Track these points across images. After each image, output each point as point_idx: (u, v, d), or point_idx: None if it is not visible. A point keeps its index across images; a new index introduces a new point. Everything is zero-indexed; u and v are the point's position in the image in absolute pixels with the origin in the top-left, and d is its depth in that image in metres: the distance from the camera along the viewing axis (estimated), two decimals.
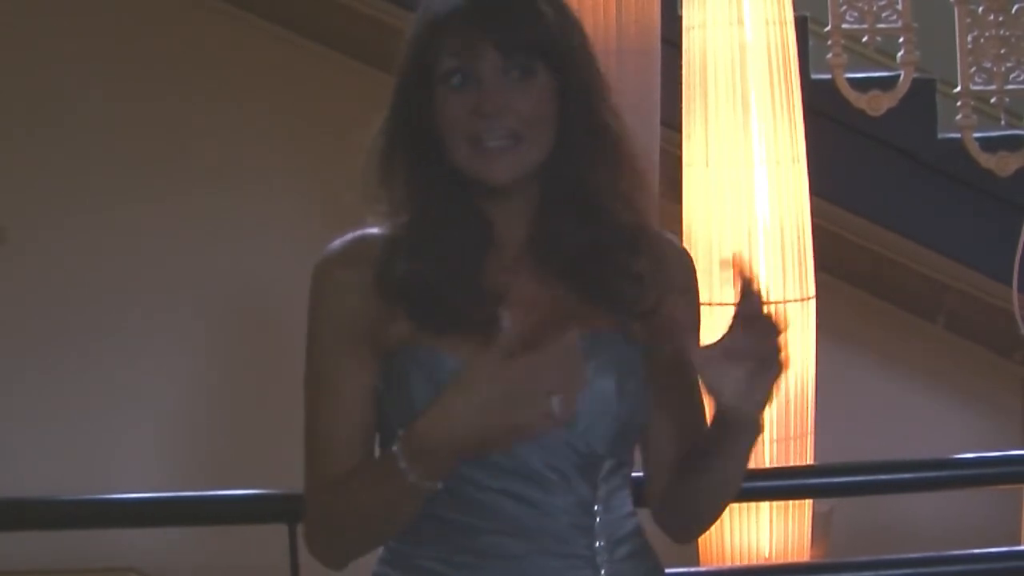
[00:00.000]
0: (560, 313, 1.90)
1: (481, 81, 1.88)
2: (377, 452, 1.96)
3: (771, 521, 3.85)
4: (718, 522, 2.13)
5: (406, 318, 1.90)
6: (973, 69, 4.97)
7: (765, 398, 1.85)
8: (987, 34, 4.97)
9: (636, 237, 1.95)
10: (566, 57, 1.92)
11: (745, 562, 3.85)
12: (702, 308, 2.07)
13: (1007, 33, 4.98)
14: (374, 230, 1.95)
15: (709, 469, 1.96)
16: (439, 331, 1.89)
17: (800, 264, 3.84)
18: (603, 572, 1.92)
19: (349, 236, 1.96)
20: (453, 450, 1.80)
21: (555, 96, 1.91)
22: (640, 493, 2.03)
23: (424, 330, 1.89)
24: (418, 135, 1.92)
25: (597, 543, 1.93)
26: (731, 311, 1.83)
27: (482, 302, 1.88)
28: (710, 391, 1.85)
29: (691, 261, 2.03)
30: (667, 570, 2.06)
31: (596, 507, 1.93)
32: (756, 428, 1.89)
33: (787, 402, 3.82)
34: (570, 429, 1.87)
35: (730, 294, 1.84)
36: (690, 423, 2.00)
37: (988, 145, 4.98)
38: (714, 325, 1.94)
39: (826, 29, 4.90)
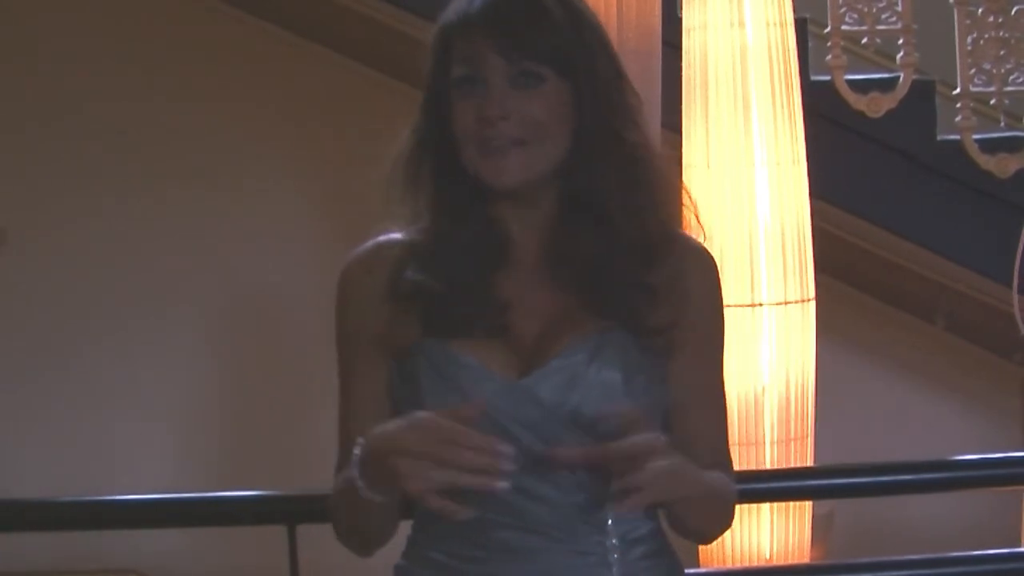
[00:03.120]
0: (566, 320, 1.91)
1: (487, 87, 1.91)
2: None
3: (772, 523, 3.85)
4: None
5: (417, 320, 1.93)
6: (973, 71, 4.97)
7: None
8: (987, 36, 4.97)
9: (654, 249, 1.95)
10: (578, 64, 1.92)
11: (746, 563, 3.85)
12: None
13: (1007, 35, 4.97)
14: (396, 234, 1.98)
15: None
16: (448, 334, 1.91)
17: (800, 265, 3.84)
18: (615, 570, 1.93)
19: (370, 242, 2.00)
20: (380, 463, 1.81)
21: (569, 102, 1.92)
22: None
23: (434, 331, 1.92)
24: (441, 141, 1.94)
25: (610, 541, 1.94)
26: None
27: (489, 310, 1.91)
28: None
29: (714, 268, 2.02)
30: None
31: (608, 504, 1.93)
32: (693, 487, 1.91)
33: (787, 404, 3.82)
34: (576, 423, 1.88)
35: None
36: (703, 427, 2.01)
37: (988, 147, 4.97)
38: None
39: (826, 31, 4.90)
